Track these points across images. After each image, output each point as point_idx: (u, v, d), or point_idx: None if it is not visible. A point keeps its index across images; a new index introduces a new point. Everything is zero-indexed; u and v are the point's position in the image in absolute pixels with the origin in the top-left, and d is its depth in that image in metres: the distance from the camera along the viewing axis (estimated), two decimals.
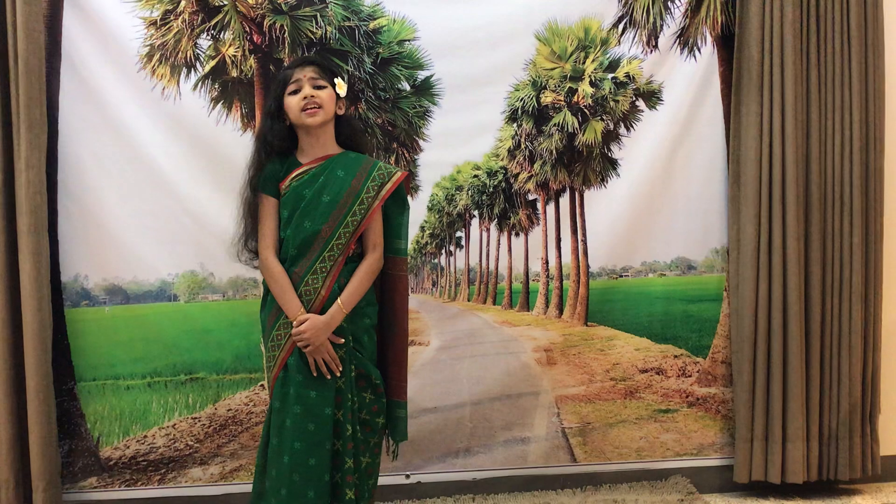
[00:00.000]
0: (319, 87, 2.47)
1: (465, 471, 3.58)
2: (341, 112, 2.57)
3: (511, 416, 3.64)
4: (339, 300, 2.42)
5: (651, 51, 3.61)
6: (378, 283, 2.59)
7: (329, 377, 2.41)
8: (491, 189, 3.75)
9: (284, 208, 2.48)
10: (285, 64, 3.39)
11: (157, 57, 3.38)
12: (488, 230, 3.81)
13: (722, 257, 3.70)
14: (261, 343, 3.46)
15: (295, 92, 2.47)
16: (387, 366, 2.60)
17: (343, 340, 2.44)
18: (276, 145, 2.51)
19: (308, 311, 2.41)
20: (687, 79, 3.62)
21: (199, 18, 3.39)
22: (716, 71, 3.62)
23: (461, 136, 3.62)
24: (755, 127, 3.45)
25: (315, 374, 2.40)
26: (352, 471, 2.42)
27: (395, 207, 2.57)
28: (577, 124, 3.65)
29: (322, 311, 2.41)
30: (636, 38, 3.61)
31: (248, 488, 3.19)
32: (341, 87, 2.52)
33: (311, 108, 2.45)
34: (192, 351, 3.53)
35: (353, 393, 2.46)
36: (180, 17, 3.38)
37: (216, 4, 3.39)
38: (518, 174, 3.70)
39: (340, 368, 2.42)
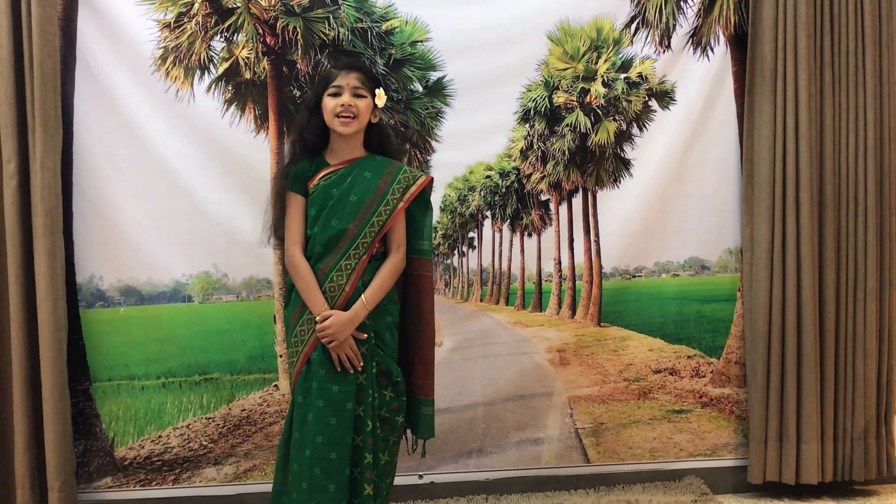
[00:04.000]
0: (359, 96, 2.51)
1: (479, 471, 3.58)
2: (375, 121, 2.61)
3: (524, 417, 3.64)
4: (363, 297, 2.46)
5: (664, 51, 3.60)
6: (401, 284, 2.64)
7: (351, 372, 2.44)
8: (503, 189, 3.75)
9: (312, 206, 2.53)
10: (298, 65, 3.41)
11: (170, 59, 3.39)
12: (501, 231, 3.81)
13: (735, 257, 3.69)
14: (275, 344, 3.49)
15: (334, 94, 2.50)
16: (414, 364, 2.64)
17: (366, 336, 2.47)
18: (311, 141, 2.56)
19: (332, 308, 2.45)
20: (700, 78, 3.61)
21: (213, 20, 3.41)
22: (729, 70, 3.61)
23: (473, 137, 3.62)
24: (768, 126, 3.44)
25: (339, 370, 2.43)
26: (371, 466, 2.45)
27: (419, 210, 2.61)
28: (589, 124, 3.64)
29: (346, 308, 2.46)
30: (649, 38, 3.60)
31: (262, 488, 3.21)
32: (381, 99, 2.56)
33: (344, 118, 2.49)
34: (206, 351, 3.54)
35: (374, 389, 2.50)
36: (194, 20, 3.39)
37: (229, 7, 3.41)
38: (530, 174, 3.70)
39: (362, 363, 2.45)
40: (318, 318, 2.44)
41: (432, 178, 2.63)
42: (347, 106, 2.48)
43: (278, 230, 2.60)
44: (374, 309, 2.49)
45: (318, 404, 2.42)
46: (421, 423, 2.64)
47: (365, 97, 2.52)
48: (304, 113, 2.60)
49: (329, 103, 2.50)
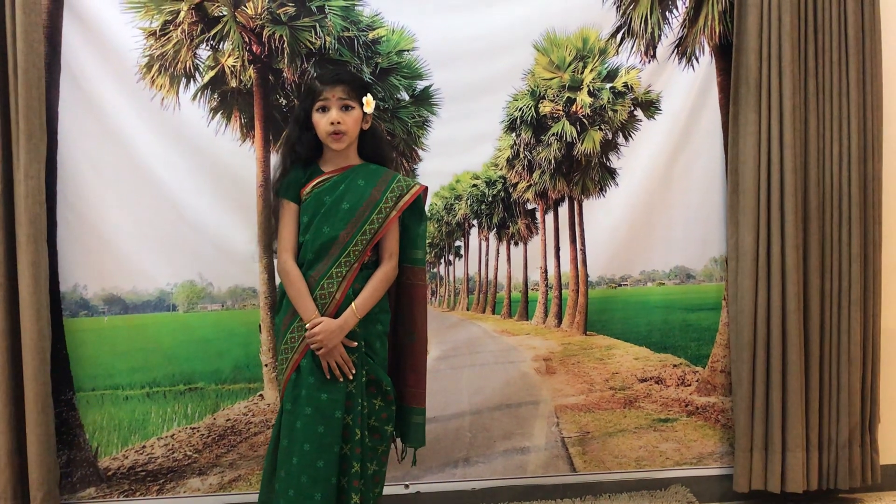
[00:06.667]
0: (347, 108, 2.51)
1: (465, 480, 3.57)
2: (366, 127, 2.61)
3: (510, 426, 3.63)
4: (353, 304, 2.47)
5: (649, 61, 3.61)
6: (393, 293, 2.64)
7: (341, 380, 2.44)
8: (490, 198, 3.75)
9: (305, 214, 2.54)
10: (284, 73, 3.40)
11: (156, 67, 3.38)
12: (487, 239, 3.81)
13: (721, 266, 3.70)
14: (260, 353, 3.47)
15: (322, 109, 2.51)
16: (406, 373, 2.65)
17: (356, 344, 2.47)
18: (304, 154, 2.58)
19: (322, 315, 2.45)
20: (685, 88, 3.62)
21: (199, 29, 3.40)
22: (714, 80, 3.63)
23: (460, 146, 3.62)
24: (753, 136, 3.45)
25: (328, 377, 2.44)
26: (358, 475, 2.45)
27: (413, 218, 2.62)
28: (575, 134, 3.65)
29: (336, 316, 2.46)
30: (634, 48, 3.61)
31: (247, 499, 3.20)
32: (369, 105, 2.56)
33: (336, 135, 2.50)
34: (190, 361, 3.52)
35: (364, 398, 2.50)
36: (180, 28, 3.38)
37: (215, 15, 3.40)
38: (517, 183, 3.71)
39: (353, 371, 2.45)
40: (307, 324, 2.44)
41: (427, 188, 2.64)
42: (337, 124, 2.49)
43: (274, 243, 2.61)
44: (365, 317, 2.50)
45: (306, 412, 2.42)
46: (412, 431, 2.65)
47: (353, 108, 2.52)
48: (295, 127, 2.59)
49: (321, 121, 2.51)
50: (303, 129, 2.57)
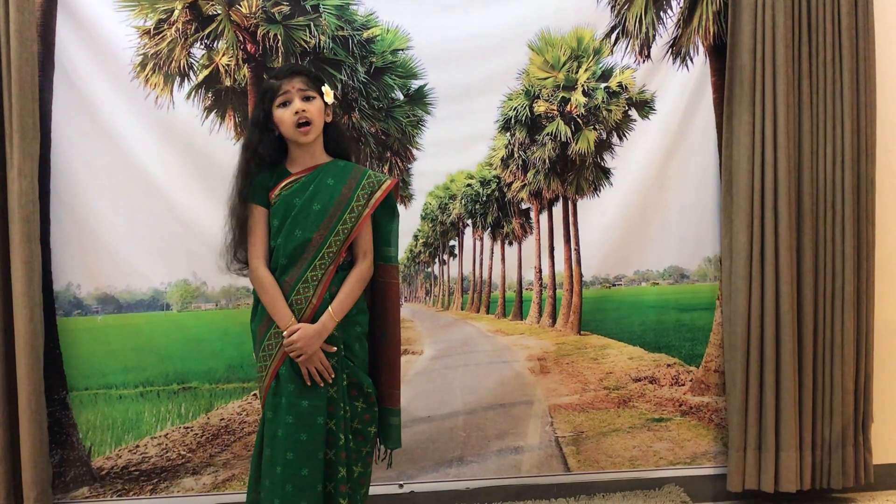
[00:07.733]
0: (308, 98, 2.45)
1: (459, 480, 3.57)
2: (329, 119, 2.55)
3: (504, 426, 3.63)
4: (330, 308, 2.41)
5: (643, 60, 3.62)
6: (368, 291, 2.59)
7: (322, 385, 2.40)
8: (484, 198, 3.75)
9: (275, 217, 2.47)
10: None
11: (150, 66, 3.38)
12: (482, 239, 3.81)
13: (715, 266, 3.71)
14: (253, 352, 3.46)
15: (284, 104, 2.45)
16: (379, 374, 2.59)
17: (335, 349, 2.43)
18: (268, 157, 2.50)
19: (299, 321, 2.40)
20: (679, 88, 3.63)
21: (193, 27, 3.40)
22: (708, 80, 3.63)
23: (455, 145, 3.62)
24: (747, 136, 3.46)
25: (308, 384, 2.39)
26: (345, 480, 2.42)
27: (385, 215, 2.57)
28: (569, 133, 3.65)
29: (313, 320, 2.41)
30: (629, 48, 3.62)
31: (241, 498, 3.17)
32: (328, 95, 2.51)
33: (303, 126, 2.43)
34: (184, 360, 3.51)
35: (345, 402, 2.46)
36: (174, 27, 3.38)
37: (210, 14, 3.40)
38: (511, 183, 3.71)
39: (333, 376, 2.42)
40: (284, 332, 2.39)
41: (398, 182, 2.60)
42: (301, 112, 2.42)
43: (238, 252, 2.52)
44: (343, 320, 2.44)
45: (287, 420, 2.37)
46: (388, 433, 2.61)
47: (314, 98, 2.46)
48: (254, 130, 2.50)
49: (284, 115, 2.44)
50: (263, 132, 2.49)
